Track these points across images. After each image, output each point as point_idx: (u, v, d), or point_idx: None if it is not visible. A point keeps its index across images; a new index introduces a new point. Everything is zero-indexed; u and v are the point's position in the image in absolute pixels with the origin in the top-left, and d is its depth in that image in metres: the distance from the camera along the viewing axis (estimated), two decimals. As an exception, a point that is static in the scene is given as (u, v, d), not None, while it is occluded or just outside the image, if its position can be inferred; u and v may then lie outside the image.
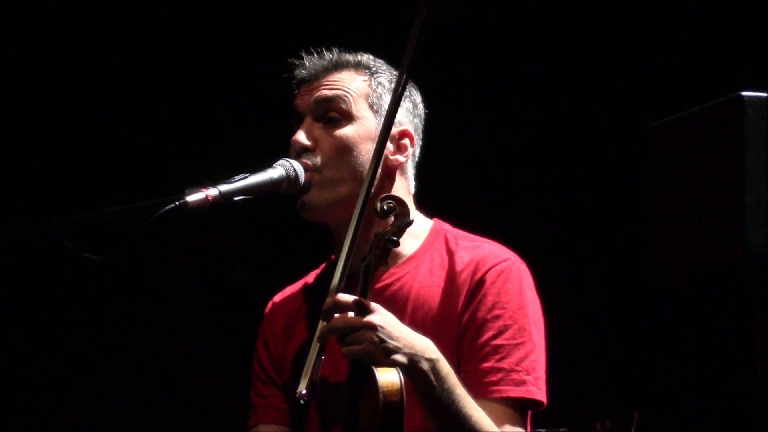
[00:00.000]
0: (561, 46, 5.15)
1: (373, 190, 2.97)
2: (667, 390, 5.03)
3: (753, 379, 3.11)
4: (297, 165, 3.12)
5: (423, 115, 3.26)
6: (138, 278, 5.21)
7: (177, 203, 2.93)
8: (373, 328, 2.80)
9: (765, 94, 3.04)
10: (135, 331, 5.23)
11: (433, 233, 3.20)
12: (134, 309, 5.24)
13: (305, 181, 3.12)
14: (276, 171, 3.10)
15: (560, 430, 4.12)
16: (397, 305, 3.04)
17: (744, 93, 3.04)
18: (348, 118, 3.16)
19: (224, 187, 3.01)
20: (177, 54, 5.19)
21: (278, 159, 3.13)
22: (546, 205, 5.22)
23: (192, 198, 2.96)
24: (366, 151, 3.14)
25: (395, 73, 3.22)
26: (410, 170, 3.23)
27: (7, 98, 5.10)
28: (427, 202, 3.25)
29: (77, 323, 5.20)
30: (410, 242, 3.16)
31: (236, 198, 3.03)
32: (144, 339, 5.23)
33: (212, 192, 2.99)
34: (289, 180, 3.10)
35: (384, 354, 2.80)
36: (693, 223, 3.11)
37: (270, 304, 3.34)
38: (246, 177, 3.05)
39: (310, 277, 3.33)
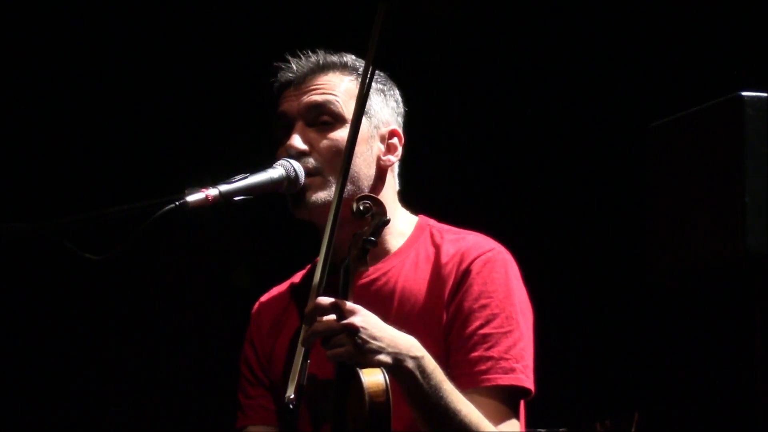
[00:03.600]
0: (561, 45, 5.15)
1: (367, 191, 2.99)
2: (667, 390, 5.03)
3: (753, 379, 3.11)
4: (297, 165, 3.12)
5: (403, 113, 3.27)
6: (138, 278, 5.21)
7: (177, 203, 2.94)
8: (355, 329, 2.80)
9: (765, 94, 3.04)
10: (135, 331, 5.23)
11: (418, 229, 3.22)
12: (134, 309, 5.24)
13: (307, 183, 3.12)
14: (276, 171, 3.10)
15: (560, 430, 4.12)
16: (383, 299, 3.05)
17: (744, 93, 3.03)
18: (340, 121, 3.17)
19: (224, 187, 3.01)
20: (177, 54, 5.19)
21: (278, 159, 3.13)
22: (546, 206, 5.22)
23: (192, 198, 2.96)
24: (360, 153, 3.15)
25: (380, 73, 3.24)
26: (396, 169, 3.25)
27: (7, 98, 5.10)
28: (422, 201, 3.25)
29: (77, 323, 5.20)
30: (396, 239, 3.17)
31: (236, 198, 3.03)
32: (144, 339, 5.23)
33: (212, 192, 2.99)
34: (289, 180, 3.11)
35: (368, 355, 2.80)
36: (693, 223, 3.11)
37: (257, 305, 3.35)
38: (246, 177, 3.06)
39: (297, 277, 3.34)
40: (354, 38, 3.31)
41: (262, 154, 3.18)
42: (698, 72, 4.89)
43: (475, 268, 3.08)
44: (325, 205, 3.13)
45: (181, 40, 5.20)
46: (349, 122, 3.16)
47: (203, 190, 2.99)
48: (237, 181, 3.04)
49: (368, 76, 2.92)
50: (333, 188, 3.13)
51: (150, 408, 5.21)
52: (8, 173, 5.10)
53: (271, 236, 5.23)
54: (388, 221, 2.90)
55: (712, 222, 3.06)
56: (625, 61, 5.07)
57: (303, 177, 3.12)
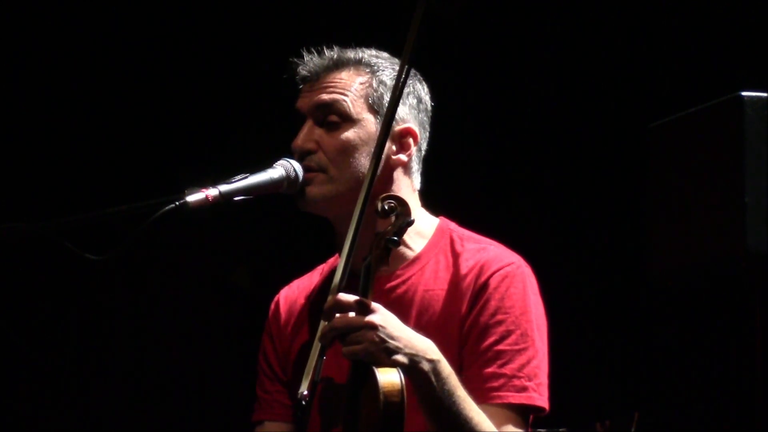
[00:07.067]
0: (562, 46, 5.15)
1: (373, 191, 2.96)
2: (667, 390, 5.03)
3: (753, 379, 3.11)
4: (297, 165, 3.11)
5: (429, 109, 3.24)
6: (138, 278, 5.21)
7: (177, 203, 2.93)
8: (374, 327, 2.80)
9: (765, 94, 3.04)
10: (135, 331, 5.23)
11: (439, 232, 3.19)
12: (134, 309, 5.24)
13: (307, 178, 3.12)
14: (276, 171, 3.09)
15: (560, 430, 4.12)
16: (403, 308, 3.03)
17: (744, 93, 3.04)
18: (348, 121, 3.14)
19: (224, 187, 3.01)
20: (177, 54, 5.19)
21: (278, 159, 3.13)
22: (546, 205, 5.22)
23: (192, 198, 2.95)
24: (367, 153, 3.12)
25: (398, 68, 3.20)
26: (415, 167, 3.21)
27: (7, 98, 5.10)
28: (430, 200, 3.25)
29: (77, 323, 5.20)
30: (416, 241, 3.15)
31: (236, 198, 3.03)
32: (144, 339, 5.23)
33: (212, 192, 2.98)
34: (289, 180, 3.10)
35: (385, 354, 2.80)
36: (693, 222, 3.11)
37: (276, 298, 3.33)
38: (246, 177, 3.05)
39: (317, 272, 3.32)
40: (354, 35, 3.31)
41: (262, 154, 3.18)
42: (698, 72, 4.90)
43: (493, 282, 3.07)
44: (327, 200, 3.12)
45: (182, 41, 5.20)
46: (357, 123, 3.14)
47: (203, 190, 2.98)
48: (237, 181, 3.04)
49: (403, 77, 2.91)
50: (335, 185, 3.12)
51: (150, 407, 5.21)
52: (8, 173, 5.11)
53: (271, 236, 5.23)
54: (412, 222, 2.88)
55: (712, 222, 3.06)
56: (625, 61, 5.07)
57: (302, 177, 3.12)
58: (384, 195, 2.91)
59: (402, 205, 2.88)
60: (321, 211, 3.15)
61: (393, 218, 2.88)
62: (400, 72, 2.92)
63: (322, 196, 3.12)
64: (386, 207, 2.89)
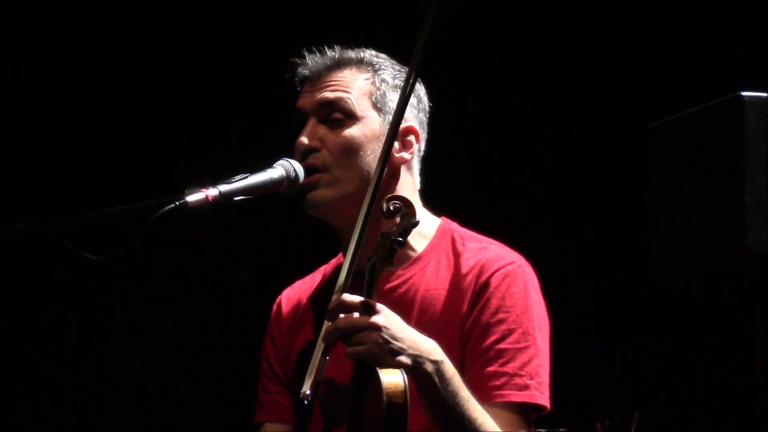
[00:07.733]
0: (562, 46, 5.15)
1: (379, 190, 2.96)
2: (667, 390, 5.03)
3: (753, 379, 3.11)
4: (297, 165, 3.11)
5: (428, 109, 3.25)
6: (138, 278, 5.21)
7: (177, 203, 2.93)
8: (377, 328, 2.80)
9: (765, 94, 3.04)
10: (135, 330, 5.23)
11: (440, 233, 3.19)
12: (134, 309, 5.24)
13: (313, 180, 3.12)
14: (276, 171, 3.09)
15: (560, 430, 4.12)
16: (404, 308, 3.04)
17: (744, 93, 3.04)
18: (352, 118, 3.15)
19: (224, 187, 3.01)
20: (177, 54, 5.19)
21: (278, 159, 3.13)
22: (546, 205, 5.22)
23: (192, 198, 2.96)
24: (371, 150, 3.13)
25: (398, 68, 3.22)
26: (416, 166, 3.22)
27: (7, 98, 5.10)
28: (430, 199, 3.25)
29: (77, 323, 5.20)
30: (417, 242, 3.15)
31: (236, 198, 3.03)
32: (144, 339, 5.23)
33: (212, 192, 2.99)
34: (289, 180, 3.10)
35: (388, 355, 2.80)
36: (693, 223, 3.11)
37: (278, 299, 3.33)
38: (246, 177, 3.05)
39: (319, 273, 3.33)
40: (353, 36, 3.31)
41: (262, 154, 3.18)
42: (698, 72, 4.90)
43: (494, 281, 3.07)
44: (334, 202, 3.12)
45: (181, 40, 5.20)
46: (361, 120, 3.15)
47: (203, 190, 2.98)
48: (237, 181, 3.04)
49: (412, 77, 2.91)
50: (341, 186, 3.12)
51: (150, 407, 5.21)
52: (8, 173, 5.11)
53: (271, 236, 5.23)
54: (417, 223, 2.89)
55: (712, 222, 3.06)
56: (625, 61, 5.07)
57: (303, 177, 3.12)
58: (389, 195, 2.92)
59: (407, 206, 2.89)
60: (326, 214, 3.15)
61: (398, 219, 2.89)
62: (409, 74, 2.93)
63: (331, 198, 3.12)
64: (392, 208, 2.89)
